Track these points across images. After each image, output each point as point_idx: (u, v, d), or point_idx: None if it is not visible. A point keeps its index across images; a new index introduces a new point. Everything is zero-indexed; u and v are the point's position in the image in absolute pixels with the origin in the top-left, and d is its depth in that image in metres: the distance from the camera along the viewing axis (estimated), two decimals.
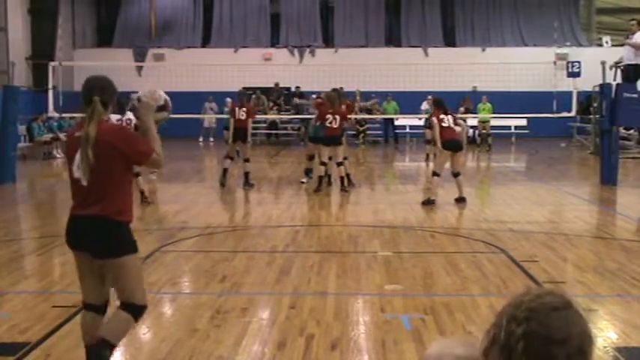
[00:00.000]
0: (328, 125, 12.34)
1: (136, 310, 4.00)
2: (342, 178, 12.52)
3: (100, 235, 3.85)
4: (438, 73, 21.64)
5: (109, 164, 3.82)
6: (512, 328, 1.38)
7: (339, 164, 12.52)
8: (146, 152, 3.96)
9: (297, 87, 25.46)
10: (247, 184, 13.28)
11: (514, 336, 1.37)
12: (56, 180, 16.21)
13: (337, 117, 12.31)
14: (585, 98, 23.01)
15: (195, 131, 24.94)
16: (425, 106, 22.95)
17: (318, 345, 4.77)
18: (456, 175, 11.15)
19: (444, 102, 11.33)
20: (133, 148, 3.90)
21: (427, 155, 18.41)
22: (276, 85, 26.16)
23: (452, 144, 10.94)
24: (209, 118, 24.56)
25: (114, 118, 10.51)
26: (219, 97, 23.27)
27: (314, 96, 15.09)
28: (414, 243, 8.37)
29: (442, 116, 10.99)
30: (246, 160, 13.35)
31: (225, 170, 13.22)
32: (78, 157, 3.83)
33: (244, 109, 13.35)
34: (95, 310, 4.06)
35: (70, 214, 3.97)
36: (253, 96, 24.80)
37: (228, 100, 19.77)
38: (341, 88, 21.21)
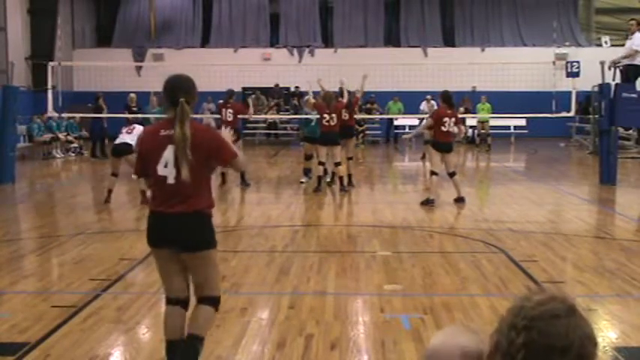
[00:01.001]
0: (325, 124, 12.34)
1: (217, 302, 4.16)
2: (341, 178, 12.51)
3: (193, 229, 3.98)
4: (437, 73, 21.61)
5: (200, 162, 3.91)
6: (513, 336, 1.36)
7: (336, 164, 12.52)
8: (233, 152, 4.10)
9: (297, 87, 25.45)
10: (244, 182, 13.30)
11: (514, 345, 1.35)
12: (55, 180, 16.20)
13: (334, 116, 12.30)
14: (585, 98, 23.01)
15: None
16: (424, 105, 22.94)
17: (317, 345, 4.77)
18: (451, 175, 11.16)
19: (451, 97, 11.14)
20: (221, 148, 4.04)
21: (424, 154, 18.43)
22: (276, 85, 26.16)
23: (443, 146, 10.95)
24: (207, 119, 24.51)
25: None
26: (218, 97, 23.23)
27: (307, 97, 14.99)
28: (413, 243, 8.37)
29: (445, 119, 10.81)
30: None
31: (223, 175, 13.25)
32: (166, 155, 3.92)
33: (231, 110, 13.38)
34: (181, 304, 4.12)
35: (154, 212, 4.03)
36: (253, 96, 24.80)
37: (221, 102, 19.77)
38: (340, 88, 21.23)
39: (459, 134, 11.38)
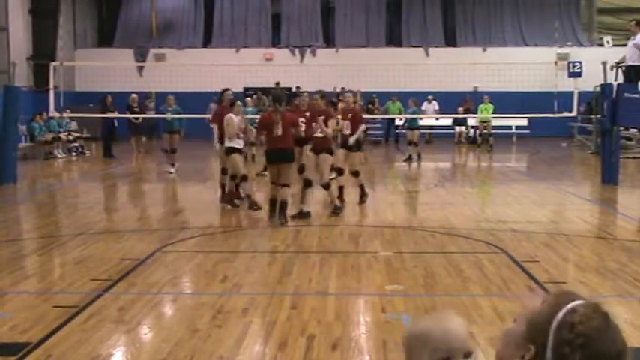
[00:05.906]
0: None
1: (289, 186, 9.33)
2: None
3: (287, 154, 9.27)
4: (438, 73, 21.60)
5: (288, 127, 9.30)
6: (567, 352, 1.37)
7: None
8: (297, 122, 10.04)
9: (298, 87, 25.43)
10: None
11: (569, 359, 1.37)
12: (57, 180, 16.21)
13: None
14: (591, 98, 22.94)
15: (195, 131, 24.87)
16: (425, 105, 22.94)
17: (319, 345, 4.77)
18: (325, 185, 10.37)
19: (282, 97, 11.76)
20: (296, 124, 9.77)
21: (409, 156, 18.67)
22: (277, 84, 26.14)
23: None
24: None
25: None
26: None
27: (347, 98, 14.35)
28: (415, 243, 8.37)
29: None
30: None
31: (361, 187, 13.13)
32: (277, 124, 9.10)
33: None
34: (276, 184, 9.24)
35: (270, 149, 9.30)
36: (254, 96, 24.80)
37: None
38: (342, 88, 21.22)
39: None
